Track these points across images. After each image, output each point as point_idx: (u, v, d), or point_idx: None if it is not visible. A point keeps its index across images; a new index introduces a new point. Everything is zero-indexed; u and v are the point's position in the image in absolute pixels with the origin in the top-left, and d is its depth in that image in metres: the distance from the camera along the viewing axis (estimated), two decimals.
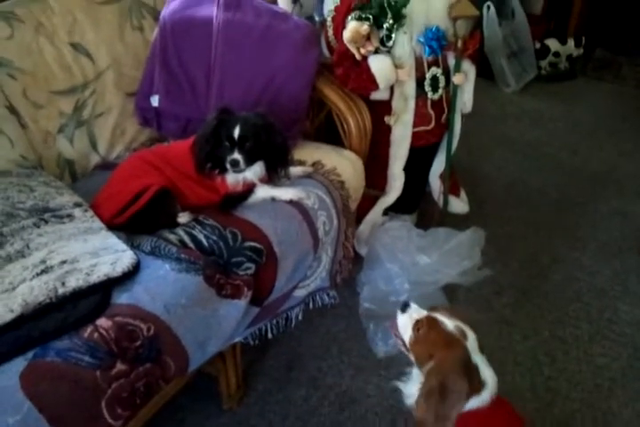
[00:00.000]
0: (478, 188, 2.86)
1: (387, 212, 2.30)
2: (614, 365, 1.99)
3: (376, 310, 2.05)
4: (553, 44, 4.09)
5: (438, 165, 2.26)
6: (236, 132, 1.53)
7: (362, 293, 2.10)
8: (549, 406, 1.84)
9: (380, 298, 2.04)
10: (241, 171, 1.57)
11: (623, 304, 2.24)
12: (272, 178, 1.67)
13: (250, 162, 1.56)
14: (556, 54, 4.11)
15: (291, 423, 1.78)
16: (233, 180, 1.60)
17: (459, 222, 2.33)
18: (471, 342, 1.30)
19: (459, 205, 2.40)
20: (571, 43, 4.12)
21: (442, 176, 2.28)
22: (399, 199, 2.23)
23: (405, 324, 1.36)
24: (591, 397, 1.87)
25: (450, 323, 1.31)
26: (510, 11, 3.82)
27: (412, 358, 1.36)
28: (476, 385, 1.24)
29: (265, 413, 1.81)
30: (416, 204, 2.42)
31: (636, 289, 2.31)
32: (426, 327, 1.31)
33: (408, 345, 1.35)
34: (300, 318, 1.85)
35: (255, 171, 1.61)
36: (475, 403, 1.24)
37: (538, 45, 4.07)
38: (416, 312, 1.37)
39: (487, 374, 1.27)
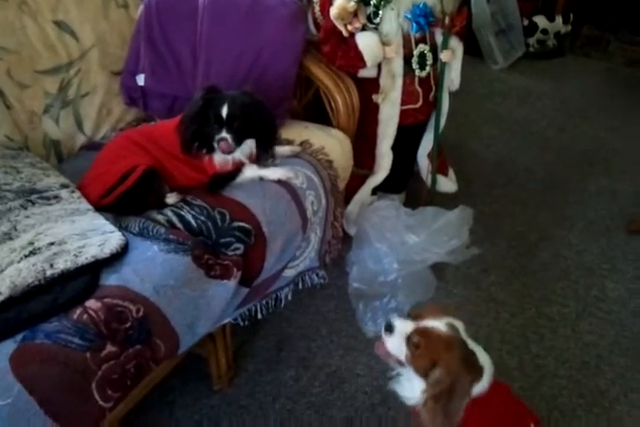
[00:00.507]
0: (466, 166, 2.86)
1: (375, 191, 2.30)
2: (602, 342, 2.01)
3: (365, 289, 2.05)
4: (541, 21, 4.08)
5: (426, 143, 2.25)
6: (224, 111, 1.51)
7: (351, 272, 2.10)
8: (537, 384, 1.86)
9: (369, 278, 2.04)
10: (230, 147, 1.54)
11: (610, 282, 2.26)
12: (260, 157, 1.66)
13: (238, 141, 1.55)
14: (544, 31, 4.10)
15: (281, 404, 1.79)
16: (221, 159, 1.58)
17: (447, 201, 2.32)
18: (463, 332, 1.28)
19: (447, 184, 2.40)
20: (559, 20, 4.11)
21: (430, 155, 2.27)
22: (388, 179, 2.22)
23: (397, 344, 1.28)
24: (579, 374, 1.90)
25: (440, 324, 1.26)
26: None
27: (410, 370, 1.29)
28: (477, 372, 1.24)
29: (255, 393, 1.82)
30: (404, 183, 2.42)
31: (623, 267, 2.33)
32: (421, 340, 1.25)
33: (405, 362, 1.28)
34: (289, 298, 1.85)
35: (244, 149, 1.59)
36: (477, 390, 1.24)
37: (526, 22, 4.06)
38: (403, 327, 1.28)
39: (483, 358, 1.27)
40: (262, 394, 1.82)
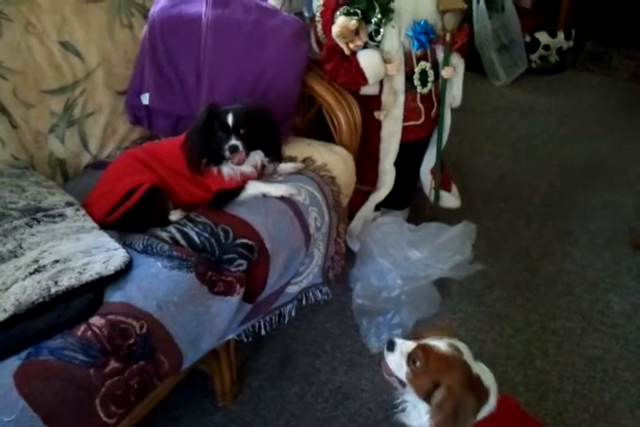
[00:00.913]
0: (469, 182, 2.86)
1: (379, 207, 2.31)
2: (606, 357, 2.00)
3: (369, 305, 2.05)
4: (543, 37, 4.10)
5: (429, 159, 2.27)
6: (230, 119, 1.54)
7: (354, 289, 2.11)
8: (542, 399, 1.85)
9: (373, 294, 2.05)
10: (241, 155, 1.56)
11: (614, 296, 2.25)
12: (265, 170, 1.69)
13: (248, 148, 1.57)
14: (546, 47, 4.12)
15: (285, 420, 1.79)
16: (230, 171, 1.60)
17: (451, 217, 2.33)
18: (466, 354, 1.27)
19: (450, 199, 2.41)
20: (560, 36, 4.13)
21: (433, 171, 2.28)
22: (391, 195, 2.24)
23: (398, 361, 1.28)
24: (584, 389, 1.89)
25: (442, 344, 1.26)
26: (500, 4, 3.82)
27: (411, 392, 1.28)
28: (483, 396, 1.23)
29: (259, 410, 1.82)
30: (407, 199, 2.43)
31: (627, 281, 2.32)
32: (422, 357, 1.24)
33: (406, 381, 1.27)
34: (293, 314, 1.86)
35: (250, 161, 1.62)
36: (485, 411, 1.23)
37: (528, 39, 4.08)
38: (404, 346, 1.28)
39: (488, 379, 1.27)
40: (266, 411, 1.82)
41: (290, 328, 2.06)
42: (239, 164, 1.58)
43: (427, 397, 1.22)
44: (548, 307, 2.20)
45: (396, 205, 2.37)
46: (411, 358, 1.25)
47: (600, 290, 2.28)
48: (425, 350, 1.24)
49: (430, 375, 1.22)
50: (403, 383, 1.28)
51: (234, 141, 1.54)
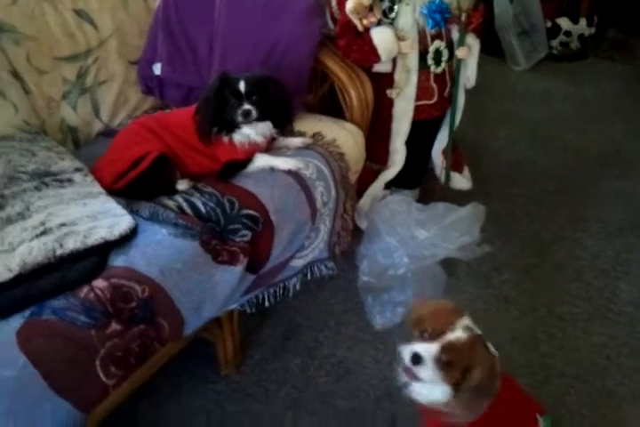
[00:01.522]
0: (483, 165, 2.85)
1: (389, 186, 2.30)
2: (611, 343, 1.99)
3: (375, 283, 2.05)
4: (565, 22, 4.05)
5: (441, 140, 2.25)
6: (242, 85, 1.55)
7: (361, 266, 2.10)
8: (545, 382, 1.85)
9: (379, 271, 2.04)
10: (252, 122, 1.58)
11: (623, 284, 2.23)
12: (274, 143, 1.70)
13: (260, 114, 1.57)
14: (568, 33, 4.06)
15: (286, 392, 1.80)
16: (241, 138, 1.61)
17: (461, 199, 2.29)
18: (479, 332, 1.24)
19: (461, 181, 2.40)
20: (583, 22, 4.07)
21: (444, 152, 2.27)
22: (402, 174, 2.23)
23: (431, 373, 1.19)
24: (587, 374, 1.88)
25: (458, 331, 1.20)
26: None
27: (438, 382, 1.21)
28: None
29: (261, 381, 1.84)
30: (419, 179, 2.42)
31: (637, 269, 2.29)
32: (451, 356, 1.18)
33: (444, 383, 1.20)
34: (297, 288, 1.86)
35: (262, 130, 1.63)
36: None
37: (549, 24, 4.02)
38: (428, 353, 1.18)
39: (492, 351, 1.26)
40: (268, 382, 1.83)
41: (295, 302, 2.07)
42: (249, 122, 1.58)
43: (457, 383, 1.18)
44: (556, 292, 2.18)
45: (407, 184, 2.36)
46: (439, 363, 1.18)
47: (609, 277, 2.26)
48: (451, 349, 1.18)
49: (460, 365, 1.18)
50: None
51: (247, 106, 1.54)
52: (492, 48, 3.67)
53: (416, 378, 1.20)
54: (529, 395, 1.39)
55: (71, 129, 1.84)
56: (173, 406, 1.75)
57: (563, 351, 1.96)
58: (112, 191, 1.54)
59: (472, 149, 2.80)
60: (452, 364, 1.17)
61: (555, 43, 4.08)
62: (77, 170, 1.59)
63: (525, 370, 1.88)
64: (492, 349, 1.26)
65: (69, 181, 1.55)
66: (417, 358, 1.18)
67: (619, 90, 3.78)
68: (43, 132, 1.76)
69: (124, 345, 1.27)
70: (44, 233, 1.36)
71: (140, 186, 1.57)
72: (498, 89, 3.63)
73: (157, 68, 1.87)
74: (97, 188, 1.54)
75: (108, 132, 1.90)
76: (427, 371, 1.18)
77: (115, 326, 1.25)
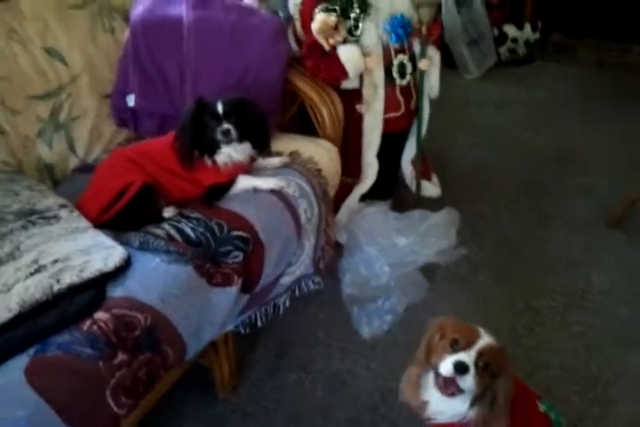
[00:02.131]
0: (447, 173, 2.92)
1: (363, 199, 2.36)
2: (589, 332, 2.08)
3: (359, 294, 2.11)
4: (510, 29, 4.20)
5: (409, 150, 2.33)
6: (219, 107, 1.59)
7: (344, 279, 2.16)
8: (531, 375, 1.92)
9: (362, 283, 2.10)
10: (232, 141, 1.61)
11: (594, 273, 2.34)
12: (254, 165, 1.74)
13: (239, 134, 1.61)
14: (514, 40, 4.22)
15: (285, 408, 1.83)
16: (224, 158, 1.64)
17: (432, 206, 2.39)
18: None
19: (431, 188, 2.48)
20: (527, 28, 4.23)
21: (413, 161, 2.35)
22: (374, 186, 2.30)
23: (472, 378, 1.22)
24: (570, 363, 1.96)
25: (488, 338, 1.27)
26: None
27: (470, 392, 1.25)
28: None
29: (259, 400, 1.86)
30: (391, 190, 2.49)
31: (606, 259, 2.41)
32: (488, 360, 1.22)
33: (476, 388, 1.23)
34: (287, 305, 1.90)
35: (243, 150, 1.66)
36: None
37: (496, 32, 4.18)
38: (469, 360, 1.22)
39: None
40: (266, 400, 1.86)
41: (283, 320, 2.09)
42: (230, 142, 1.62)
43: (484, 391, 1.23)
44: (531, 288, 2.27)
45: (380, 195, 2.42)
46: (477, 368, 1.22)
47: (580, 269, 2.37)
48: (487, 353, 1.23)
49: (494, 369, 1.23)
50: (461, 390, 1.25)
51: (226, 125, 1.58)
52: (443, 59, 3.75)
53: (458, 389, 1.23)
54: (527, 386, 1.45)
55: (48, 166, 1.85)
56: None
57: (544, 344, 2.04)
58: (98, 224, 1.55)
59: (435, 157, 2.86)
60: (488, 367, 1.22)
61: (502, 49, 4.23)
62: (62, 206, 1.59)
63: (511, 365, 1.95)
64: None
65: (56, 217, 1.55)
66: (461, 367, 1.20)
67: (567, 91, 3.94)
68: (20, 171, 1.77)
69: (132, 374, 1.28)
70: (38, 271, 1.36)
71: (126, 217, 1.59)
72: (453, 98, 3.74)
73: (131, 100, 1.89)
74: (84, 222, 1.55)
75: (84, 168, 1.90)
76: (469, 379, 1.21)
77: (121, 356, 1.26)
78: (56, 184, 1.87)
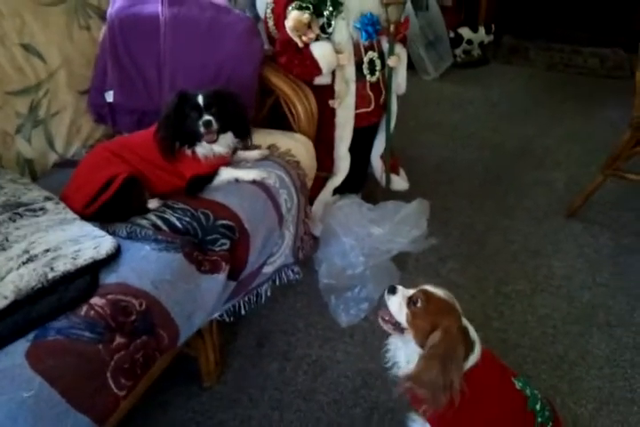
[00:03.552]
0: (411, 169, 3.00)
1: (334, 193, 2.43)
2: (555, 314, 2.19)
3: (335, 284, 2.17)
4: (466, 32, 4.36)
5: (379, 145, 2.42)
6: (200, 99, 1.63)
7: (320, 269, 2.22)
8: (503, 355, 1.95)
9: (338, 273, 2.17)
10: (214, 130, 1.64)
11: (556, 261, 2.46)
12: (234, 157, 1.79)
13: (221, 125, 1.65)
14: (469, 42, 4.38)
15: (269, 395, 1.88)
16: (205, 151, 1.68)
17: (400, 200, 2.46)
18: (458, 306, 1.36)
19: (399, 182, 2.57)
20: (482, 31, 4.40)
21: (382, 156, 2.43)
22: (345, 180, 2.37)
23: (399, 303, 1.35)
24: (539, 343, 2.06)
25: (440, 291, 1.34)
26: (424, 3, 4.05)
27: (408, 336, 1.34)
28: (469, 345, 1.32)
29: (244, 387, 1.90)
30: (361, 184, 2.57)
31: (566, 247, 2.54)
32: (423, 300, 1.31)
33: (406, 323, 1.33)
34: (268, 294, 1.95)
35: (225, 142, 1.70)
36: (472, 361, 1.33)
37: (452, 34, 4.33)
38: (405, 291, 1.37)
39: (472, 332, 1.37)
40: (250, 388, 1.90)
41: (263, 311, 2.15)
42: (211, 141, 1.65)
43: (423, 339, 1.30)
44: (498, 274, 2.38)
45: (350, 189, 2.49)
46: (411, 300, 1.33)
47: (542, 256, 2.49)
48: (425, 294, 1.33)
49: (430, 317, 1.29)
50: (400, 329, 1.36)
51: (207, 117, 1.62)
52: None
53: (389, 318, 1.36)
54: (506, 366, 1.52)
55: (27, 162, 1.86)
56: (163, 421, 1.80)
57: (514, 326, 2.14)
58: (83, 217, 1.57)
59: (400, 154, 2.97)
60: (422, 309, 1.30)
61: (458, 51, 4.39)
62: (48, 199, 1.61)
63: (483, 345, 2.04)
64: (471, 330, 1.37)
65: (42, 209, 1.57)
66: (393, 289, 1.38)
67: (521, 90, 4.12)
68: (0, 166, 1.78)
69: (130, 356, 1.31)
70: (30, 260, 1.38)
71: (111, 208, 1.61)
72: (413, 98, 3.83)
73: (110, 96, 1.92)
74: (71, 214, 1.57)
75: (63, 163, 1.92)
76: (396, 301, 1.35)
77: (119, 340, 1.29)
78: (35, 179, 1.88)
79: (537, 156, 3.28)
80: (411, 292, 1.36)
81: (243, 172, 1.75)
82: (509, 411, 1.41)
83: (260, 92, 2.14)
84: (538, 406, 1.41)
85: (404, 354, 1.39)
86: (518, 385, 1.45)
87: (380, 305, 1.44)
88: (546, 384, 1.90)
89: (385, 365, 1.46)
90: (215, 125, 1.63)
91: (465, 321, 1.37)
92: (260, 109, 2.20)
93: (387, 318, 1.38)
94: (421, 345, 1.31)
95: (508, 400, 1.42)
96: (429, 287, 1.36)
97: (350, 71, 2.12)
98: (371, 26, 2.02)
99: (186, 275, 1.48)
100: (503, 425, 1.41)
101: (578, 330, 2.12)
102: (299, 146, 2.02)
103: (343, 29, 2.03)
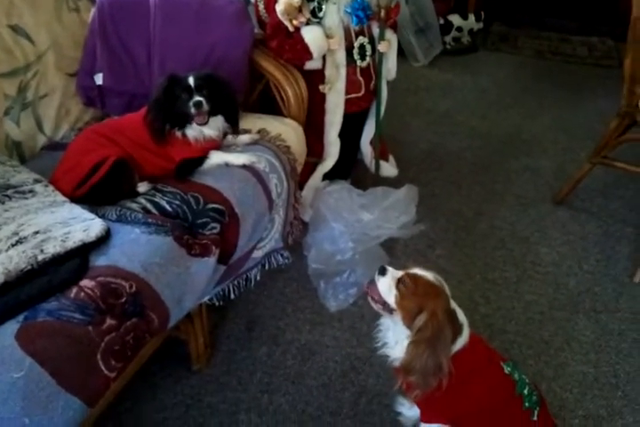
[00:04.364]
0: (401, 154, 3.02)
1: (323, 179, 2.43)
2: (541, 300, 2.22)
3: (324, 269, 2.18)
4: (455, 19, 4.36)
5: (368, 131, 2.42)
6: (191, 81, 1.62)
7: (309, 255, 2.23)
8: (490, 340, 2.02)
9: (327, 258, 2.17)
10: (205, 112, 1.63)
11: (543, 247, 2.48)
12: (225, 141, 1.79)
13: (211, 107, 1.64)
14: (459, 29, 4.38)
15: (258, 378, 1.90)
16: (195, 133, 1.67)
17: (389, 186, 2.47)
18: (447, 289, 1.39)
19: (389, 169, 2.57)
20: (471, 18, 4.40)
21: (372, 142, 2.44)
22: (334, 166, 2.37)
23: (388, 284, 1.38)
24: (525, 329, 2.09)
25: (429, 274, 1.37)
26: None
27: (396, 317, 1.37)
28: (457, 329, 1.35)
29: (233, 371, 1.91)
30: (350, 170, 2.57)
31: (553, 233, 2.56)
32: (411, 282, 1.34)
33: (394, 304, 1.36)
34: (258, 278, 1.96)
35: (215, 125, 1.70)
36: (460, 344, 1.35)
37: (442, 21, 4.32)
38: (394, 272, 1.40)
39: (461, 315, 1.39)
40: (239, 371, 1.91)
41: (251, 295, 2.16)
42: (202, 123, 1.65)
43: (411, 320, 1.32)
44: (485, 260, 2.40)
45: (339, 175, 2.50)
46: (400, 282, 1.36)
47: (530, 243, 2.51)
48: (414, 277, 1.36)
49: (417, 299, 1.31)
50: (389, 309, 1.38)
51: (198, 98, 1.61)
52: None
53: (378, 297, 1.38)
54: (493, 350, 1.55)
55: (16, 144, 1.84)
56: (152, 404, 1.81)
57: (500, 311, 2.16)
58: (73, 199, 1.57)
59: (389, 140, 2.98)
60: (409, 290, 1.33)
61: (448, 38, 4.39)
62: (37, 181, 1.61)
63: (471, 330, 2.07)
64: (460, 314, 1.40)
65: (31, 192, 1.57)
66: (383, 270, 1.41)
67: (510, 77, 4.13)
68: None
69: (121, 338, 1.31)
70: (20, 242, 1.38)
71: (101, 191, 1.61)
72: (402, 84, 3.86)
73: (99, 78, 1.91)
74: (60, 196, 1.57)
75: (52, 146, 1.91)
76: (385, 282, 1.38)
77: (110, 322, 1.30)
78: (24, 162, 1.87)
79: (525, 143, 3.30)
80: (400, 273, 1.39)
81: (233, 156, 1.74)
82: (497, 395, 1.43)
83: (251, 77, 2.13)
84: (526, 391, 1.44)
85: (393, 335, 1.41)
86: (507, 370, 1.47)
87: (369, 284, 1.43)
88: (532, 369, 1.93)
89: (375, 346, 1.48)
90: (206, 106, 1.63)
91: (454, 304, 1.39)
92: (250, 94, 2.19)
93: (376, 298, 1.40)
94: (409, 326, 1.33)
95: (496, 384, 1.44)
96: (418, 270, 1.38)
97: (341, 56, 2.11)
98: (361, 11, 2.01)
99: (176, 258, 1.48)
100: (491, 409, 1.43)
101: (564, 316, 2.15)
102: (289, 131, 2.01)
103: (334, 14, 2.02)
